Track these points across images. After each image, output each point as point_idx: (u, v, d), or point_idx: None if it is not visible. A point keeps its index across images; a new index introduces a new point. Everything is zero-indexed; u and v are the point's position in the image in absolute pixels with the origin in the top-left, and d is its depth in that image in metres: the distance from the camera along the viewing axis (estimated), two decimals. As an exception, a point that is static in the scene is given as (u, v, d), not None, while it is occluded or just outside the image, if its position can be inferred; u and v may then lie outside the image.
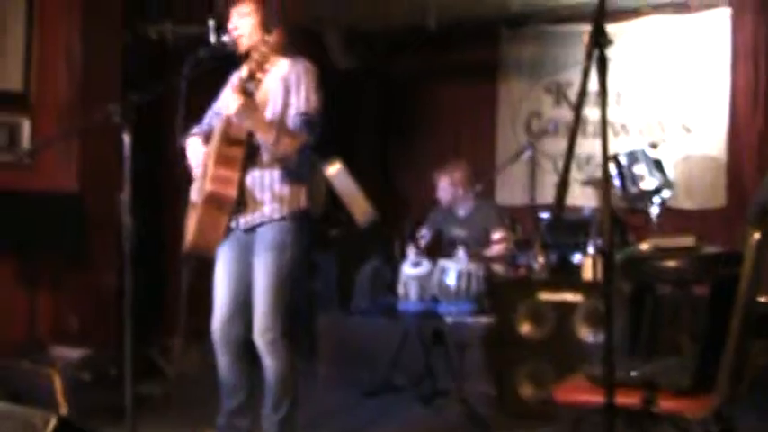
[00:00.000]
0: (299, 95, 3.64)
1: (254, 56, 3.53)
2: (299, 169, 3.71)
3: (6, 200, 5.07)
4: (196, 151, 3.74)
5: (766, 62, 6.87)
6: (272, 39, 3.57)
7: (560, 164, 7.40)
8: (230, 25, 3.71)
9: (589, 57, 2.35)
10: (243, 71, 3.62)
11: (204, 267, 3.78)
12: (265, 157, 3.61)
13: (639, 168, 5.79)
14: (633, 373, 2.99)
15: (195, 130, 3.86)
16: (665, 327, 3.56)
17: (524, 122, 8.11)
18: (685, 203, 7.09)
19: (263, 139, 3.53)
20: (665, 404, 2.79)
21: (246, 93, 3.52)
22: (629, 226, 6.05)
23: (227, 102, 3.48)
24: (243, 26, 3.69)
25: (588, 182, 6.47)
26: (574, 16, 7.44)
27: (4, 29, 5.37)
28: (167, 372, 5.84)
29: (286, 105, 3.65)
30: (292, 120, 3.62)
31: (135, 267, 3.26)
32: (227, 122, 3.59)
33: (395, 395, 5.57)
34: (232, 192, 3.60)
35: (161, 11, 6.19)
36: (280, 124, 3.60)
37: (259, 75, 3.59)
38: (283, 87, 3.66)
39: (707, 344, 2.88)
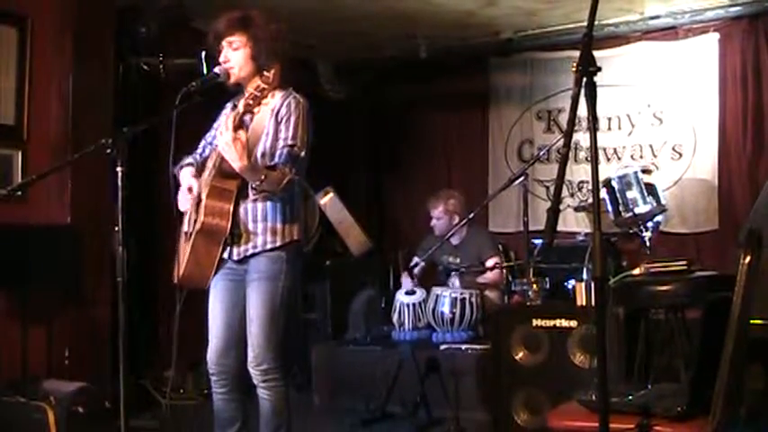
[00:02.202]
0: (288, 128, 3.65)
1: (253, 91, 3.53)
2: (293, 200, 3.72)
3: (-1, 233, 5.06)
4: (189, 182, 3.74)
5: (754, 86, 6.92)
6: (270, 75, 3.58)
7: (553, 190, 7.41)
8: (222, 57, 3.72)
9: (578, 83, 2.37)
10: (240, 105, 3.62)
11: (197, 299, 3.77)
12: (251, 193, 3.61)
13: (632, 193, 5.80)
14: (628, 399, 2.99)
15: (188, 159, 3.86)
16: (660, 351, 3.57)
17: (516, 149, 8.14)
18: (679, 227, 7.11)
19: (249, 180, 3.53)
20: (660, 430, 2.79)
21: (240, 127, 3.51)
22: (622, 251, 6.06)
23: (220, 136, 3.48)
24: (234, 58, 3.70)
25: (581, 208, 6.48)
26: (563, 43, 7.50)
27: (-4, 62, 5.39)
28: (162, 404, 5.82)
29: (276, 138, 3.66)
30: (278, 151, 3.63)
31: (128, 299, 3.25)
32: (222, 155, 3.59)
33: (390, 424, 5.55)
34: (225, 223, 3.60)
35: (152, 43, 6.21)
36: (272, 158, 3.60)
37: (256, 109, 3.60)
38: (274, 120, 3.67)
39: (701, 368, 2.88)
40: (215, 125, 3.90)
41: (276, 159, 3.61)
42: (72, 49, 5.60)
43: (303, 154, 3.66)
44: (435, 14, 6.99)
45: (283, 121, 3.66)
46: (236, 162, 3.43)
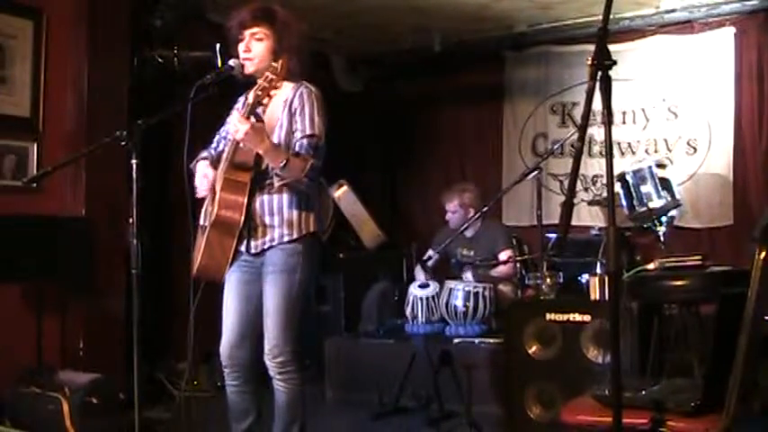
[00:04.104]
0: (304, 119, 3.65)
1: (262, 82, 3.53)
2: (308, 192, 3.71)
3: (13, 224, 5.08)
4: (205, 175, 3.74)
5: (770, 81, 6.89)
6: (279, 65, 3.58)
7: (567, 184, 7.40)
8: (243, 47, 3.71)
9: (593, 77, 2.36)
10: (250, 96, 3.62)
11: (213, 291, 3.78)
12: (276, 181, 3.62)
13: (647, 187, 5.79)
14: (641, 394, 2.98)
15: (203, 153, 3.86)
16: (673, 346, 3.56)
17: (530, 143, 8.13)
18: (693, 222, 7.09)
19: (273, 163, 3.53)
20: (674, 425, 2.78)
21: (255, 117, 3.53)
22: (636, 245, 6.05)
23: (235, 127, 3.48)
24: (256, 49, 3.70)
25: (595, 202, 6.47)
26: (578, 37, 7.48)
27: (13, 55, 5.40)
28: (176, 395, 5.84)
29: (291, 129, 3.65)
30: (298, 143, 3.63)
31: (142, 291, 3.27)
32: (235, 148, 3.59)
33: (403, 418, 5.55)
34: (239, 216, 3.60)
35: (167, 36, 6.22)
36: (287, 148, 3.61)
37: (266, 100, 3.60)
38: (288, 111, 3.67)
39: (714, 363, 2.87)
40: (228, 119, 3.90)
41: (297, 150, 3.61)
42: (87, 42, 5.62)
43: (322, 143, 3.67)
44: (449, 8, 6.98)
45: (297, 112, 3.66)
46: (260, 145, 3.45)
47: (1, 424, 4.65)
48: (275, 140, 3.61)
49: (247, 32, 3.71)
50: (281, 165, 3.49)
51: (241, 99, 3.88)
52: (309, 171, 3.57)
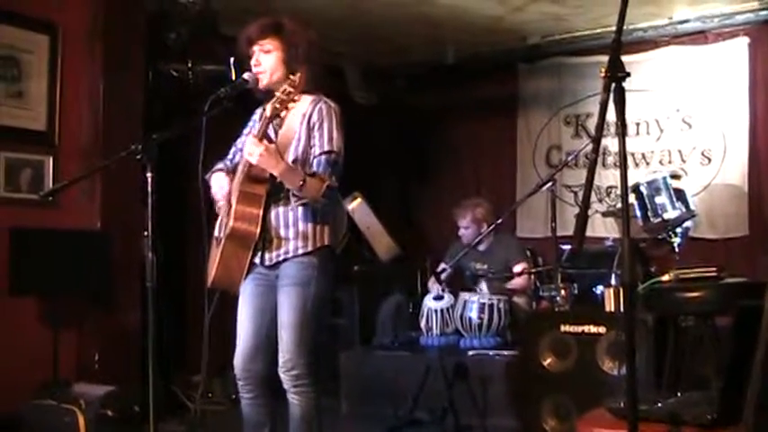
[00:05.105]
0: (323, 134, 3.64)
1: (280, 95, 3.53)
2: (325, 207, 3.71)
3: (30, 237, 5.11)
4: (221, 185, 3.75)
5: (785, 91, 6.87)
6: (297, 77, 3.59)
7: (581, 195, 7.39)
8: (253, 61, 3.72)
9: (607, 89, 2.36)
10: (267, 110, 3.63)
11: (227, 303, 3.78)
12: (293, 201, 3.61)
13: (661, 198, 5.77)
14: (657, 406, 2.97)
15: (219, 165, 3.87)
16: (689, 359, 3.54)
17: (544, 155, 8.12)
18: (708, 233, 7.06)
19: (289, 185, 3.53)
20: (690, 437, 2.77)
21: (268, 139, 3.53)
22: (651, 257, 6.02)
23: (249, 149, 3.48)
24: (266, 62, 3.70)
25: (609, 213, 6.45)
26: (591, 48, 7.48)
27: (29, 69, 5.44)
28: (190, 408, 5.84)
29: (309, 144, 3.65)
30: (316, 159, 3.63)
31: (157, 304, 3.27)
32: (250, 162, 3.59)
33: (418, 431, 5.54)
34: (254, 228, 3.60)
35: (182, 50, 6.25)
36: (304, 167, 3.61)
37: (283, 113, 3.61)
38: (306, 126, 3.66)
39: (731, 376, 2.86)
40: (245, 131, 3.91)
41: (315, 168, 3.60)
42: (102, 56, 5.66)
43: (341, 160, 3.67)
44: (463, 20, 7.00)
45: (316, 127, 3.65)
46: (275, 168, 3.45)
47: (17, 436, 4.67)
48: (292, 155, 3.61)
49: (256, 46, 3.72)
50: (298, 186, 3.49)
51: (258, 111, 3.89)
52: (326, 191, 3.57)
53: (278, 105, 3.52)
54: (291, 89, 3.52)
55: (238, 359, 3.74)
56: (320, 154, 3.62)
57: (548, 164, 8.05)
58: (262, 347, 3.73)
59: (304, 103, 3.71)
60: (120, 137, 5.40)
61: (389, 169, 8.92)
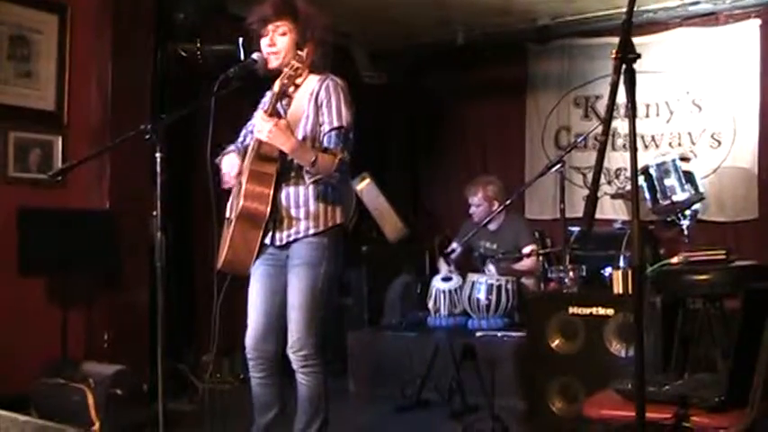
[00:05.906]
0: (331, 111, 3.64)
1: (288, 71, 3.53)
2: (334, 184, 3.71)
3: (39, 217, 5.12)
4: (232, 165, 3.74)
5: (797, 73, 6.83)
6: (305, 53, 3.59)
7: (590, 177, 7.39)
8: (267, 41, 3.71)
9: (617, 71, 2.35)
10: (275, 87, 3.63)
11: (236, 283, 3.79)
12: (307, 178, 3.62)
13: (670, 181, 5.76)
14: (665, 388, 2.97)
15: (230, 147, 3.86)
16: (697, 341, 3.53)
17: (553, 136, 8.10)
18: (717, 216, 7.04)
19: (301, 162, 3.54)
20: (698, 420, 2.77)
21: (278, 115, 3.53)
22: (660, 239, 6.02)
23: (259, 126, 3.49)
24: (281, 43, 3.69)
25: (618, 195, 6.44)
26: (601, 29, 7.44)
27: (38, 49, 5.44)
28: (199, 388, 5.87)
29: (318, 121, 3.65)
30: (326, 136, 3.63)
31: (167, 284, 3.28)
32: (260, 140, 3.59)
33: (426, 411, 5.56)
34: (265, 208, 3.60)
35: (190, 30, 6.24)
36: (314, 143, 3.61)
37: (291, 91, 3.61)
38: (314, 104, 3.66)
39: (739, 359, 2.85)
40: (255, 113, 3.90)
41: (326, 143, 3.61)
42: (111, 36, 5.65)
43: (351, 134, 3.67)
44: (472, 1, 6.96)
45: (324, 104, 3.65)
46: (286, 144, 3.46)
47: (27, 414, 4.69)
48: (301, 133, 3.62)
49: (270, 27, 3.71)
50: (310, 162, 3.50)
51: (268, 93, 3.88)
52: (339, 165, 3.57)
53: (286, 81, 3.53)
54: (299, 64, 3.53)
55: (250, 339, 3.75)
56: (330, 130, 3.63)
57: (557, 145, 8.03)
58: (273, 328, 3.74)
59: (311, 82, 3.72)
60: (129, 117, 5.41)
61: (398, 150, 8.92)
